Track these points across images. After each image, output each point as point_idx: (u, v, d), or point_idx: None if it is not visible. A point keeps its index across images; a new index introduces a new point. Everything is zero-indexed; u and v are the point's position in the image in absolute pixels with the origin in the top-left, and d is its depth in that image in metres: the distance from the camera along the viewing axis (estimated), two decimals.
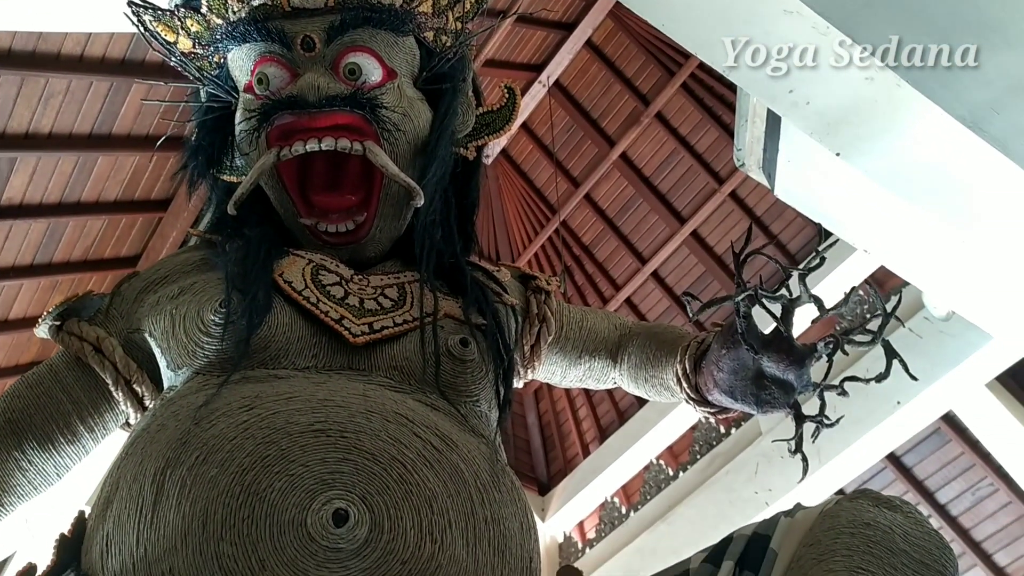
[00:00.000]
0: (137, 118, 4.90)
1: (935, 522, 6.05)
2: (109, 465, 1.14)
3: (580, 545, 7.79)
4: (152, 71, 4.50)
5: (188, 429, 1.06)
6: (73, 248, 5.26)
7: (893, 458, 6.01)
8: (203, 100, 1.60)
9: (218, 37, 1.50)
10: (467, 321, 1.36)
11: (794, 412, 1.52)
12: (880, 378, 1.53)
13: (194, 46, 1.55)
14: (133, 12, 1.53)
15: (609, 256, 8.01)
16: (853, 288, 1.55)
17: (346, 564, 0.96)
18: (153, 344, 1.32)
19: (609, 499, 7.72)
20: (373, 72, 1.48)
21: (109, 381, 1.32)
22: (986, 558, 6.15)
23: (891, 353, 1.51)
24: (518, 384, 1.77)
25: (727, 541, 1.20)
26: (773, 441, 6.45)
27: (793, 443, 1.54)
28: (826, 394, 1.54)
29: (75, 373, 1.34)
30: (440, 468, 1.08)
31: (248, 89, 1.49)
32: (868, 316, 1.59)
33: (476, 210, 1.74)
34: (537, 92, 7.54)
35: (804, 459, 1.56)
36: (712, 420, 7.04)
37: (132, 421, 1.38)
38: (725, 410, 1.66)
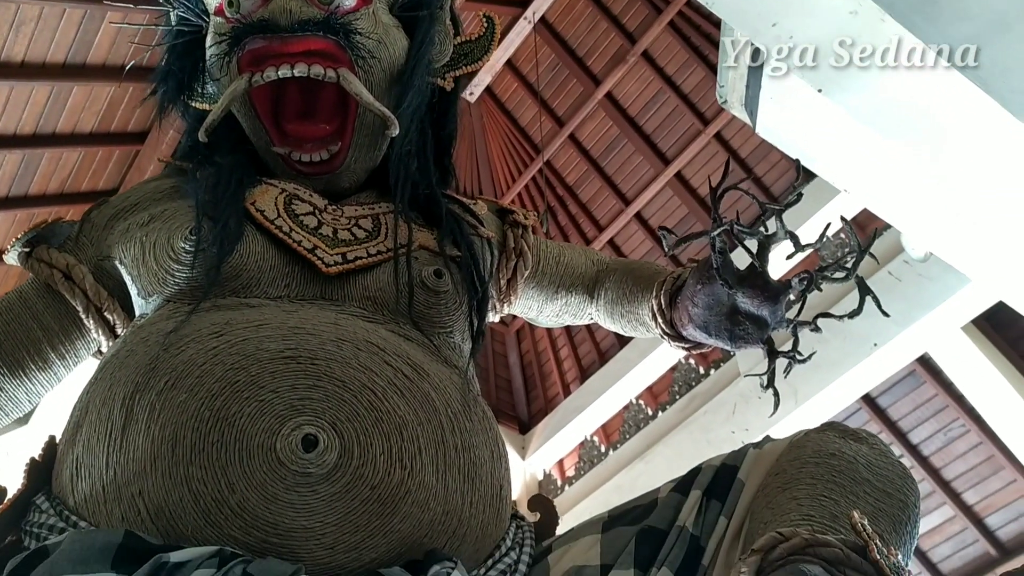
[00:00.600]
0: (112, 48, 4.78)
1: (906, 462, 6.17)
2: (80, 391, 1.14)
3: (559, 483, 7.92)
4: None
5: (157, 355, 1.06)
6: (49, 181, 5.18)
7: (868, 399, 6.11)
8: (173, 24, 1.56)
9: None
10: (441, 252, 1.35)
11: (767, 348, 1.53)
12: (853, 314, 1.54)
13: None
14: None
15: (593, 197, 7.98)
16: (828, 224, 1.54)
17: (315, 488, 0.97)
18: (123, 272, 1.31)
19: (588, 438, 7.82)
20: None
21: (79, 308, 1.31)
22: (955, 496, 6.30)
23: (864, 290, 1.51)
24: (493, 318, 1.77)
25: (696, 472, 1.22)
26: (745, 376, 6.54)
27: (765, 378, 1.56)
28: (801, 332, 1.55)
29: (45, 300, 1.33)
30: (411, 396, 1.08)
31: (219, 12, 1.45)
32: (843, 253, 1.59)
33: (453, 142, 1.71)
34: (522, 29, 7.40)
35: (776, 394, 1.58)
36: (691, 361, 7.11)
37: (104, 349, 1.38)
38: (699, 345, 1.67)
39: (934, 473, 6.31)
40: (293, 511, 0.96)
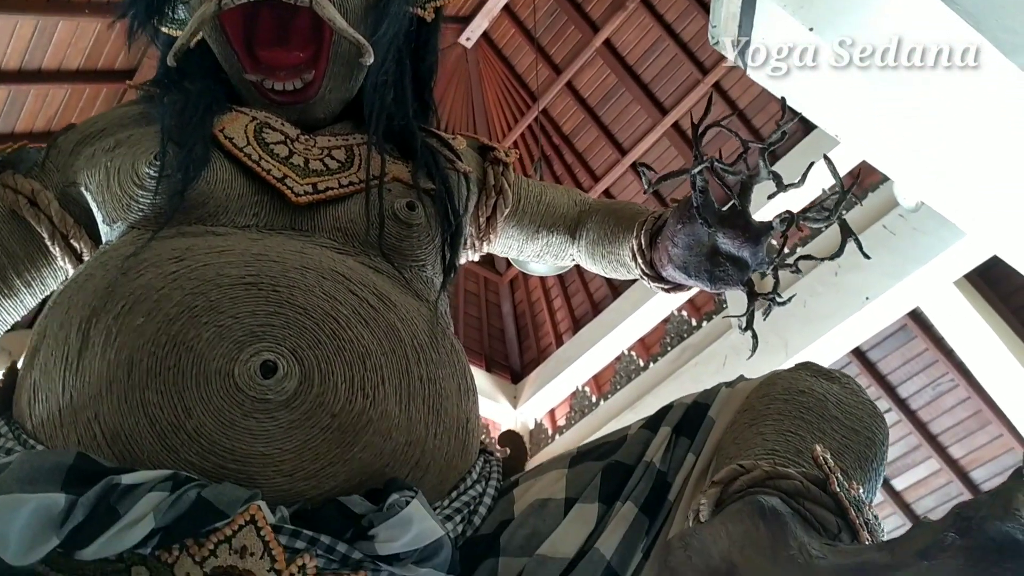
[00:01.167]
0: None
1: (894, 416, 6.22)
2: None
3: (550, 432, 7.97)
4: None
5: (115, 278, 1.04)
6: (35, 118, 5.10)
7: (858, 353, 6.13)
8: None
9: None
10: (415, 185, 1.33)
11: (747, 289, 1.51)
12: (834, 256, 1.52)
13: None
14: None
15: (589, 146, 7.91)
16: (812, 164, 1.51)
17: (274, 415, 0.96)
18: (89, 198, 1.28)
19: (580, 388, 7.86)
20: None
21: (45, 235, 1.29)
22: (941, 450, 6.36)
23: (846, 231, 1.49)
24: (473, 256, 1.75)
25: (666, 409, 1.21)
26: (723, 317, 6.55)
27: (744, 320, 1.55)
28: (782, 273, 1.54)
29: (10, 226, 1.30)
30: (376, 326, 1.07)
31: None
32: (828, 194, 1.56)
33: (433, 76, 1.67)
34: None
35: (755, 337, 1.56)
36: (684, 313, 7.11)
37: None
38: (679, 286, 1.65)
39: (921, 427, 6.35)
40: (251, 437, 0.95)
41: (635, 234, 1.62)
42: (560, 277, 8.24)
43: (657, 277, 1.62)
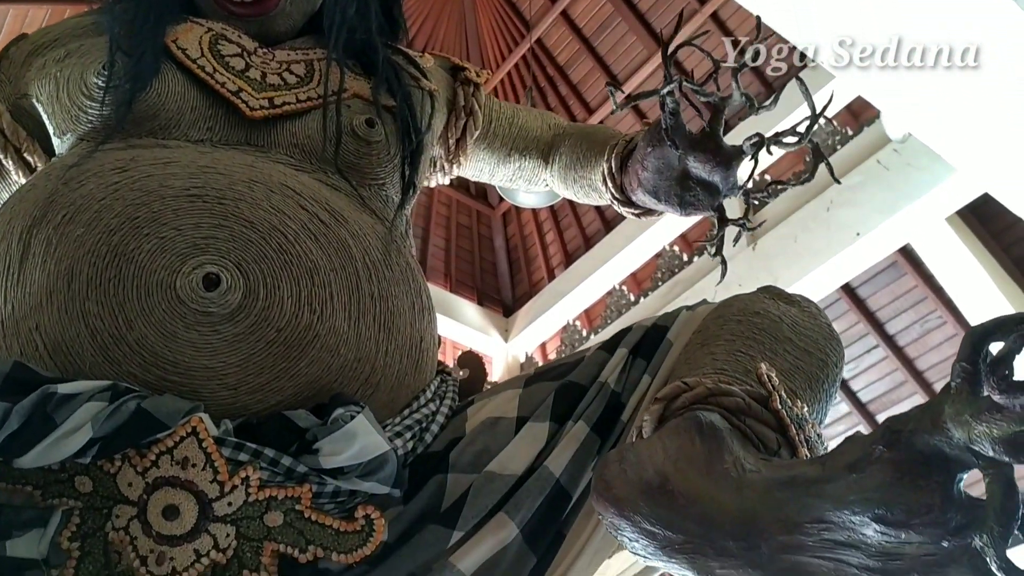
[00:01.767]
0: None
1: (881, 352, 6.26)
2: None
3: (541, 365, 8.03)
4: None
5: (56, 188, 1.02)
6: None
7: (848, 289, 6.13)
8: None
9: None
10: (375, 101, 1.30)
11: (717, 215, 1.49)
12: (803, 179, 1.50)
13: None
14: None
15: (584, 78, 7.79)
16: (784, 86, 1.48)
17: (217, 328, 0.95)
18: (41, 110, 1.25)
19: (571, 322, 7.89)
20: None
21: None
22: (927, 387, 6.41)
23: (818, 155, 1.46)
24: (443, 179, 1.73)
25: (625, 331, 1.21)
26: (696, 243, 6.56)
27: (714, 246, 1.53)
28: (753, 199, 1.51)
29: None
30: (326, 242, 1.05)
31: None
32: (805, 118, 1.52)
33: None
34: None
35: (723, 262, 1.55)
36: (675, 248, 7.10)
37: None
38: (650, 212, 1.63)
39: (909, 364, 6.40)
40: (194, 350, 0.94)
41: (606, 158, 1.59)
42: (553, 211, 8.20)
43: (627, 202, 1.60)
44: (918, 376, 6.37)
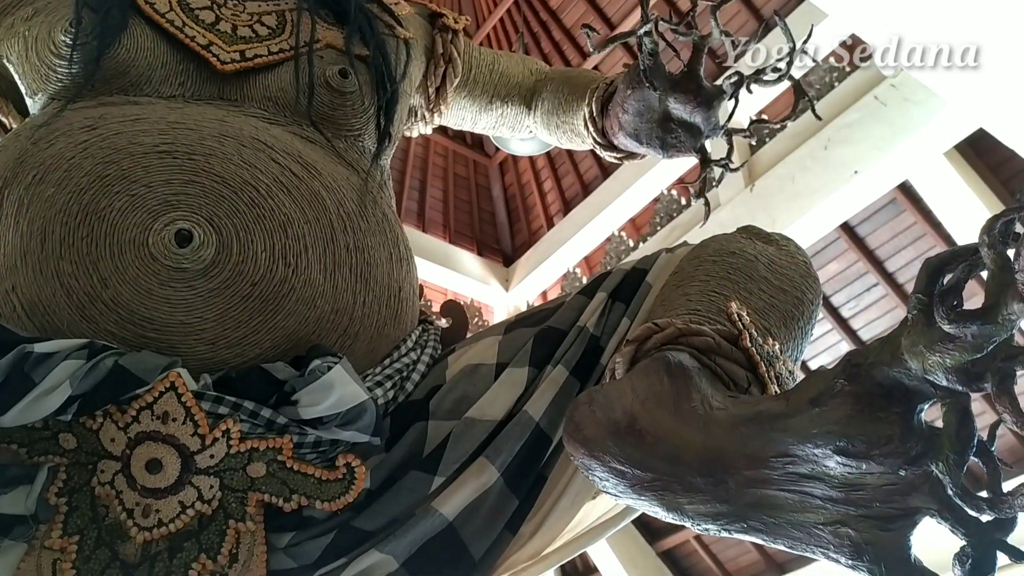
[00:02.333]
0: None
1: (881, 290, 6.24)
2: None
3: None
4: None
5: (25, 148, 1.01)
6: None
7: (847, 227, 6.10)
8: None
9: None
10: (347, 51, 1.28)
11: (700, 156, 1.49)
12: (786, 118, 1.49)
13: None
14: None
15: (577, 22, 7.67)
16: (764, 24, 1.46)
17: (192, 284, 0.95)
18: (12, 70, 1.24)
19: (571, 270, 7.89)
20: None
21: None
22: None
23: (799, 92, 1.45)
24: (425, 129, 1.72)
25: (605, 275, 1.21)
26: (678, 185, 6.53)
27: (697, 187, 1.53)
28: (736, 139, 1.50)
29: None
30: (299, 194, 1.05)
31: None
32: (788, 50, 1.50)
33: None
34: None
35: (707, 204, 1.55)
36: (674, 192, 7.06)
37: None
38: (632, 155, 1.62)
39: (908, 300, 6.37)
40: (169, 306, 0.95)
41: (587, 102, 1.58)
42: (550, 158, 8.15)
43: (609, 146, 1.59)
44: None
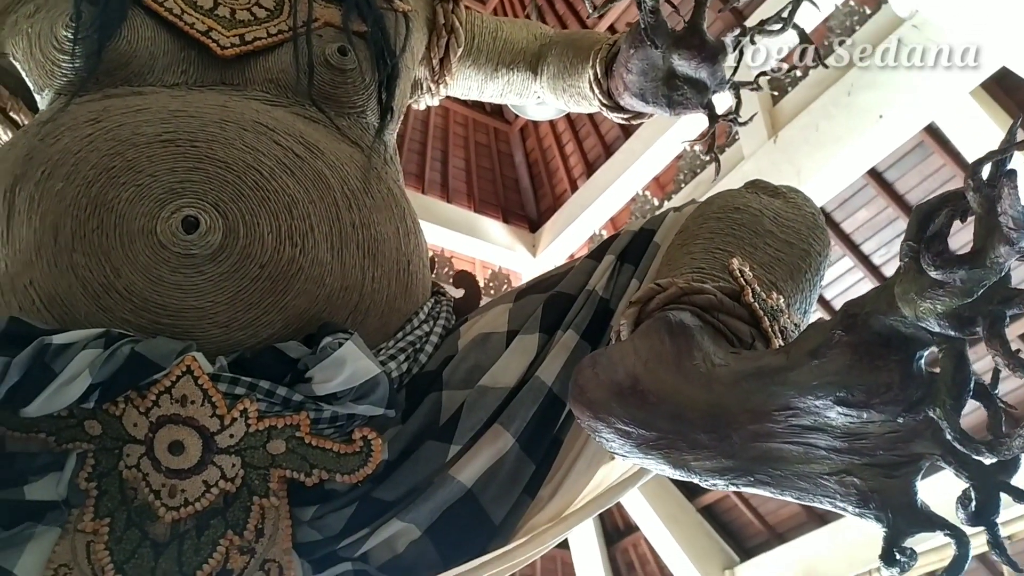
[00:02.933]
0: None
1: None
2: None
3: None
4: None
5: (33, 145, 1.03)
6: None
7: (875, 173, 6.01)
8: None
9: None
10: (345, 28, 1.29)
11: (708, 112, 1.47)
12: (791, 68, 1.48)
13: None
14: None
15: None
16: None
17: (201, 269, 0.97)
18: (19, 67, 1.26)
19: (597, 232, 7.87)
20: None
21: None
22: None
23: (804, 39, 1.43)
24: (432, 100, 1.72)
25: (613, 237, 1.21)
26: (682, 142, 6.45)
27: (706, 144, 1.52)
28: (743, 91, 1.49)
29: None
30: (302, 175, 1.06)
31: None
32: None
33: None
34: None
35: (717, 160, 1.54)
36: (696, 148, 6.99)
37: None
38: (639, 115, 1.61)
39: None
40: (180, 292, 0.97)
41: (591, 64, 1.57)
42: (570, 121, 8.10)
43: (616, 107, 1.58)
44: None
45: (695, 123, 6.48)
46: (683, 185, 6.96)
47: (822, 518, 6.67)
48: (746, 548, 7.12)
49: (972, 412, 0.67)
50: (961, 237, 0.59)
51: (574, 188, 8.11)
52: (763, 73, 1.48)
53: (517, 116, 8.27)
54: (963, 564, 0.64)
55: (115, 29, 1.15)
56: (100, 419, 0.93)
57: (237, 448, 0.95)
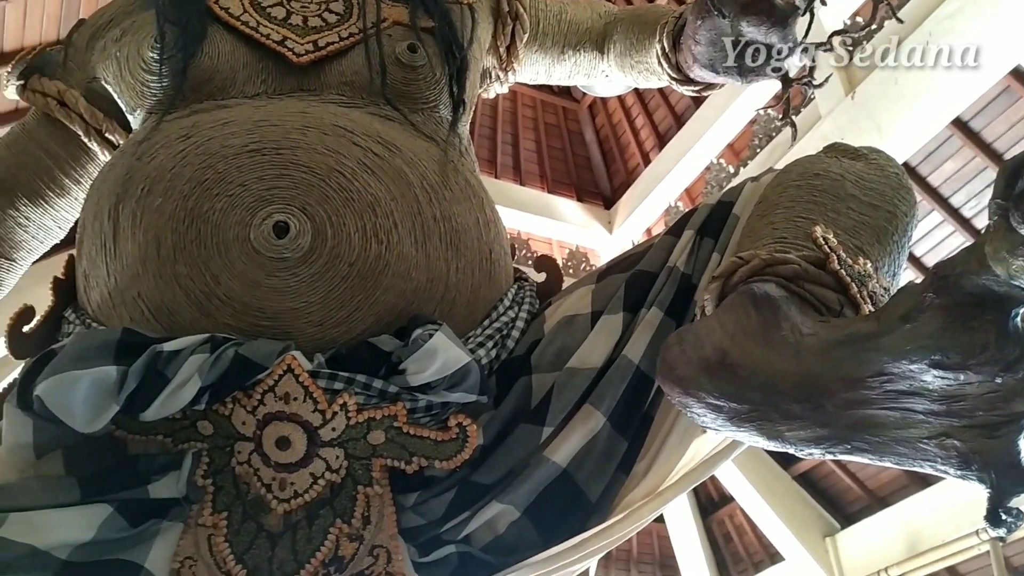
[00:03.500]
0: None
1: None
2: None
3: None
4: None
5: (131, 164, 1.09)
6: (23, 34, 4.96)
7: (960, 123, 5.77)
8: None
9: None
10: (413, 25, 1.31)
11: (781, 77, 1.45)
12: (866, 26, 1.44)
13: None
14: None
15: None
16: None
17: (294, 271, 1.01)
18: (111, 90, 1.33)
19: (673, 204, 7.76)
20: None
21: (80, 132, 1.35)
22: None
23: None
24: (501, 88, 1.73)
25: (692, 212, 1.21)
26: (756, 110, 6.23)
27: (781, 109, 1.50)
28: (816, 54, 1.46)
29: (47, 129, 1.37)
30: (382, 173, 1.09)
31: None
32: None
33: None
34: None
35: (793, 125, 1.52)
36: (770, 112, 6.83)
37: None
38: (710, 86, 1.60)
39: None
40: (277, 295, 1.01)
41: (658, 38, 1.56)
42: (638, 94, 8.00)
43: (686, 80, 1.57)
44: None
45: (768, 86, 6.33)
46: (758, 150, 6.81)
47: (924, 480, 6.49)
48: (846, 514, 6.98)
49: None
50: None
51: (647, 162, 8.02)
52: (836, 32, 1.45)
53: (585, 94, 8.23)
54: None
55: (197, 47, 1.21)
56: (211, 419, 0.99)
57: (340, 440, 0.99)
